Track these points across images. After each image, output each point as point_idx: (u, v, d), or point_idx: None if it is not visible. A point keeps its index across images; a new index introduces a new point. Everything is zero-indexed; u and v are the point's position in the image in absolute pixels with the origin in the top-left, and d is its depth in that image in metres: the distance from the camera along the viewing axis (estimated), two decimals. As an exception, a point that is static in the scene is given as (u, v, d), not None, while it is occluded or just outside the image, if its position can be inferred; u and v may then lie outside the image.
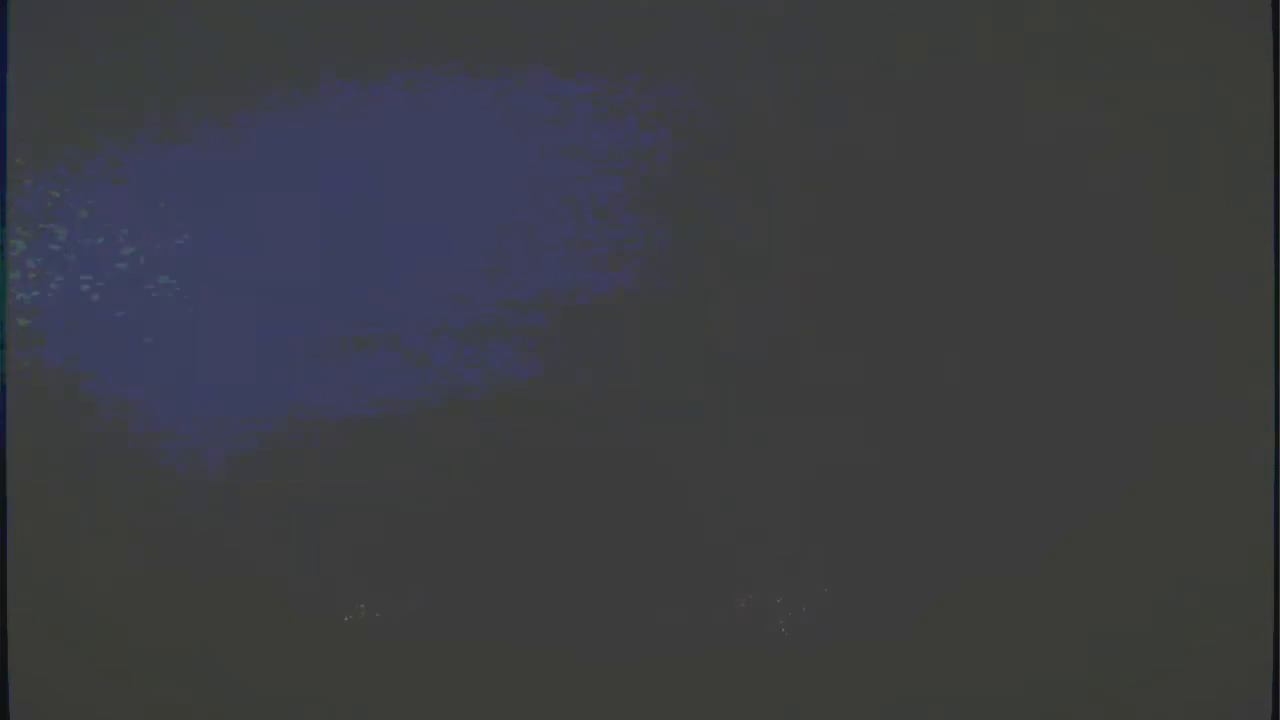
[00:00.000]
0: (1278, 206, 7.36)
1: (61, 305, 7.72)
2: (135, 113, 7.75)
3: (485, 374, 7.88)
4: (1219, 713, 7.03)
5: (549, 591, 7.79)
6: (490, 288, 7.91)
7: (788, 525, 8.02)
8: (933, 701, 7.37)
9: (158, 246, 7.79)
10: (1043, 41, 7.68)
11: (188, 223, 7.84)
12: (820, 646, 7.80)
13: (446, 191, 7.91)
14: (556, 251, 7.89)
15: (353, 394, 7.84)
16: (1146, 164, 7.58)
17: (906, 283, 7.71)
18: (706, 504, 8.03)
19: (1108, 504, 7.39)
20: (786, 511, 8.00)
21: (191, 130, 7.73)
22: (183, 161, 7.83)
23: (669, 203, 7.90)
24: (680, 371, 7.93)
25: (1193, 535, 7.30)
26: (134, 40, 7.67)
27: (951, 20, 7.78)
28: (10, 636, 7.22)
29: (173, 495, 7.77)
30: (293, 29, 7.68)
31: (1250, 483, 7.40)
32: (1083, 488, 7.43)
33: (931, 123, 7.78)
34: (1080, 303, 7.56)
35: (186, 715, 7.37)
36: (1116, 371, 7.59)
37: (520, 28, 7.76)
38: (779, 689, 7.57)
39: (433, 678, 7.61)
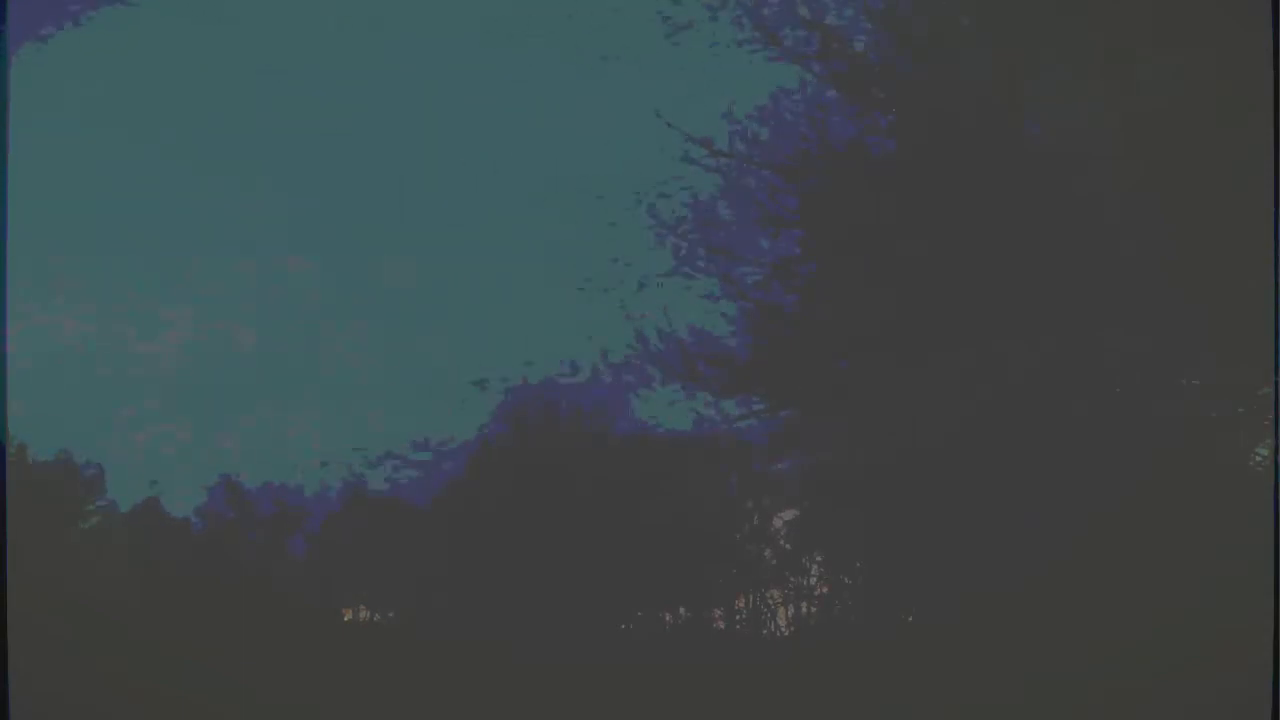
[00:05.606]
0: (1278, 206, 7.35)
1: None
2: None
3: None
4: (1219, 713, 7.02)
5: (550, 594, 7.78)
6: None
7: (790, 526, 8.01)
8: (934, 701, 7.36)
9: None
10: (1043, 43, 7.67)
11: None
12: (820, 647, 7.79)
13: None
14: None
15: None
16: (1147, 164, 7.56)
17: (905, 285, 7.70)
18: (709, 506, 8.02)
19: (1108, 505, 7.38)
20: (790, 513, 7.99)
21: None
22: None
23: None
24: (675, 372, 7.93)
25: (1193, 535, 7.29)
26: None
27: (952, 21, 7.77)
28: (10, 636, 7.21)
29: (172, 500, 7.77)
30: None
31: (1250, 483, 7.38)
32: (1083, 489, 7.41)
33: (927, 124, 7.77)
34: (1080, 304, 7.55)
35: (186, 715, 7.36)
36: (1116, 372, 7.58)
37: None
38: (780, 689, 7.56)
39: (434, 678, 7.60)
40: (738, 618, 7.94)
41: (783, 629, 7.90)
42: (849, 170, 7.87)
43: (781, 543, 8.00)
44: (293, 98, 7.81)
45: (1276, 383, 7.30)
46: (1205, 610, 7.17)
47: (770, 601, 7.93)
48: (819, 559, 7.96)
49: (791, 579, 7.96)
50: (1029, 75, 7.71)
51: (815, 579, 7.96)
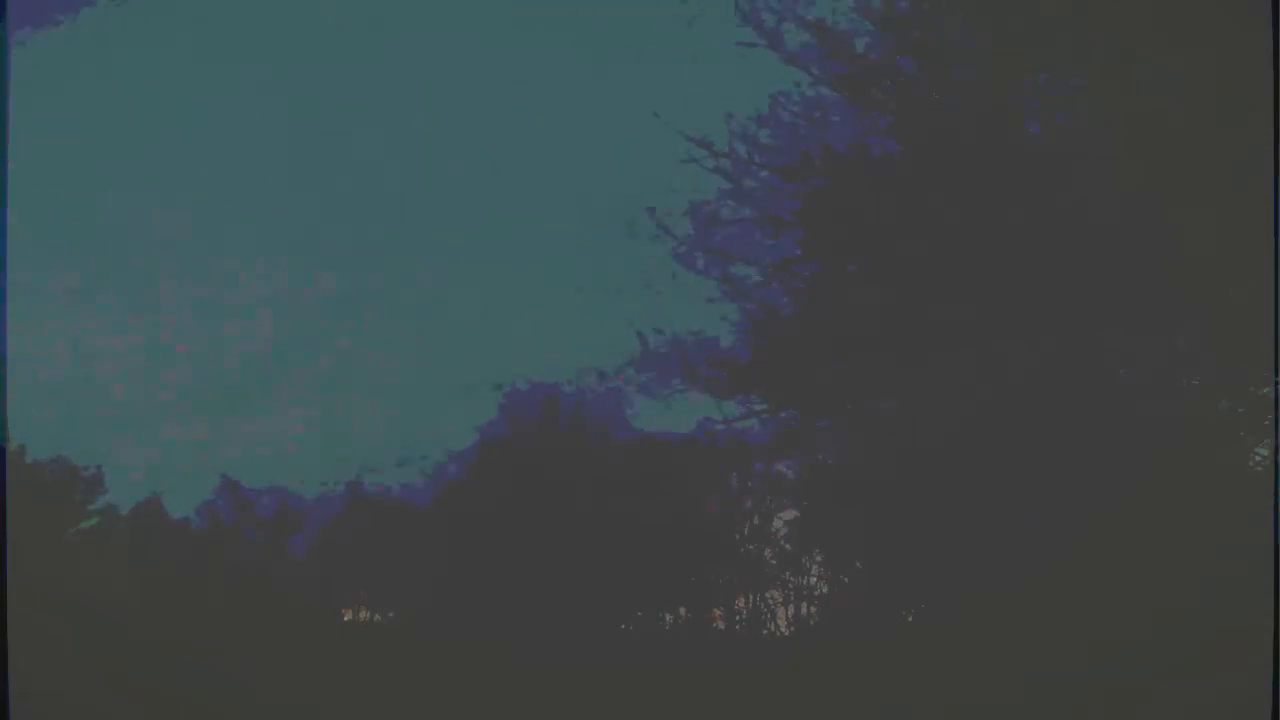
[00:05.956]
0: (1278, 206, 7.34)
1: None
2: None
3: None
4: (1219, 713, 7.01)
5: (550, 594, 7.79)
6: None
7: (791, 526, 8.01)
8: (934, 701, 7.36)
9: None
10: (1043, 43, 7.68)
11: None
12: (820, 647, 7.79)
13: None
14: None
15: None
16: (1147, 164, 7.56)
17: (905, 285, 7.70)
18: (709, 506, 8.02)
19: (1108, 505, 7.38)
20: (790, 513, 8.00)
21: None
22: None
23: None
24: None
25: (1193, 535, 7.29)
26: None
27: (952, 21, 7.78)
28: (10, 636, 7.21)
29: (172, 500, 7.77)
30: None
31: (1250, 483, 7.38)
32: (1083, 489, 7.41)
33: (927, 125, 7.77)
34: (1080, 304, 7.55)
35: (186, 715, 7.36)
36: (1116, 372, 7.58)
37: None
38: (780, 689, 7.56)
39: (434, 678, 7.61)
40: (738, 618, 7.94)
41: (783, 629, 7.90)
42: (849, 171, 7.88)
43: (781, 543, 8.01)
44: (295, 101, 7.81)
45: (1276, 383, 7.30)
46: (1205, 610, 7.16)
47: (770, 601, 7.93)
48: (819, 559, 7.96)
49: (791, 579, 7.96)
50: (1029, 75, 7.71)
51: (815, 579, 7.96)
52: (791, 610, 7.91)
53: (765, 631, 7.90)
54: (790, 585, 7.94)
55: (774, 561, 7.98)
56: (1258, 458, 7.46)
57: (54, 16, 7.66)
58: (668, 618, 7.95)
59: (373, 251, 7.87)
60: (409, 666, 7.62)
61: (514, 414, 7.97)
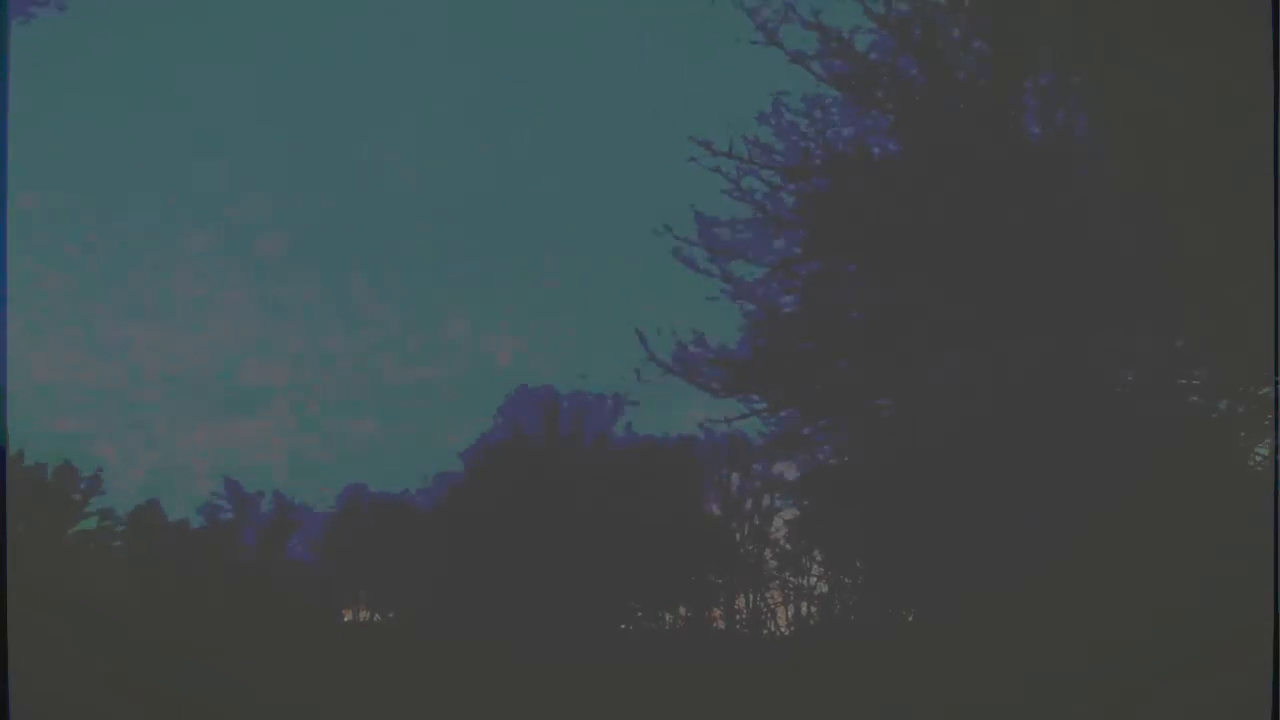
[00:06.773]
0: (1278, 207, 7.34)
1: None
2: None
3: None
4: (1219, 713, 7.01)
5: (550, 594, 7.79)
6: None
7: (791, 526, 8.01)
8: (934, 701, 7.36)
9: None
10: (1043, 43, 7.68)
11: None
12: (820, 647, 7.79)
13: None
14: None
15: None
16: (1147, 164, 7.56)
17: (905, 285, 7.70)
18: (709, 506, 8.02)
19: (1108, 505, 7.38)
20: (790, 513, 8.00)
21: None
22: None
23: None
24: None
25: (1193, 535, 7.29)
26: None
27: (951, 21, 7.78)
28: (10, 636, 7.21)
29: (172, 500, 7.78)
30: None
31: (1250, 483, 7.38)
32: (1083, 489, 7.41)
33: (928, 125, 7.77)
34: (1080, 304, 7.55)
35: (186, 715, 7.36)
36: (1116, 372, 7.59)
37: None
38: (780, 689, 7.57)
39: (434, 678, 7.61)
40: (738, 618, 7.95)
41: (783, 629, 7.90)
42: (849, 171, 7.88)
43: (782, 543, 8.01)
44: (295, 102, 7.82)
45: (1276, 382, 7.30)
46: (1205, 610, 7.16)
47: (770, 601, 7.94)
48: (819, 559, 7.97)
49: (791, 579, 7.97)
50: (1029, 75, 7.71)
51: (815, 579, 7.96)
52: (791, 610, 7.91)
53: (765, 631, 7.90)
54: (790, 585, 7.95)
55: (774, 561, 7.99)
56: (1258, 458, 7.46)
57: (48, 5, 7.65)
58: (668, 618, 7.95)
59: (372, 255, 7.88)
60: (409, 666, 7.62)
61: (514, 416, 7.98)
